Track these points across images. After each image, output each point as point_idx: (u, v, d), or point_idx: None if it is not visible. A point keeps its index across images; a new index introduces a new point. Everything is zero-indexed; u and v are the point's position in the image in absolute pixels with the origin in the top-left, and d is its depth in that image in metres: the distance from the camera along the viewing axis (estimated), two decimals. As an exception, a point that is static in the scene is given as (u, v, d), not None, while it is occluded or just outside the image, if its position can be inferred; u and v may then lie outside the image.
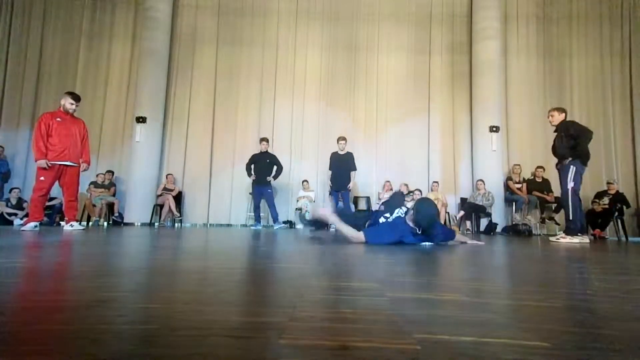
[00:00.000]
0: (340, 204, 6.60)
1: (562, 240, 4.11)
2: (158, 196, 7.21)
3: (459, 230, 6.86)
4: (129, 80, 7.95)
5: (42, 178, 4.06)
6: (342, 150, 6.56)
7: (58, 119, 4.17)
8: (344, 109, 7.92)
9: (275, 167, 6.70)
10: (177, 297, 0.80)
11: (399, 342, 0.52)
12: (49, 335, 0.52)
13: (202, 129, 7.86)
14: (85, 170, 4.47)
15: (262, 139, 6.78)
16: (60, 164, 4.16)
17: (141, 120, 7.23)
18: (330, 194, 6.66)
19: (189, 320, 0.61)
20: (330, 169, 6.56)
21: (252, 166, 6.62)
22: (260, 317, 0.65)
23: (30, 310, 0.66)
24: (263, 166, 6.59)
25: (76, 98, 4.34)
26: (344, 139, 6.61)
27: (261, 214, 6.82)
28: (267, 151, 6.73)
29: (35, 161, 4.08)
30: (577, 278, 1.28)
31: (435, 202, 6.81)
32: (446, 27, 8.10)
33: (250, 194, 7.47)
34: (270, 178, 6.61)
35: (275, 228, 6.37)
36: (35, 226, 4.03)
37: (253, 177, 6.54)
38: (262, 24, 8.13)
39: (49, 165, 4.07)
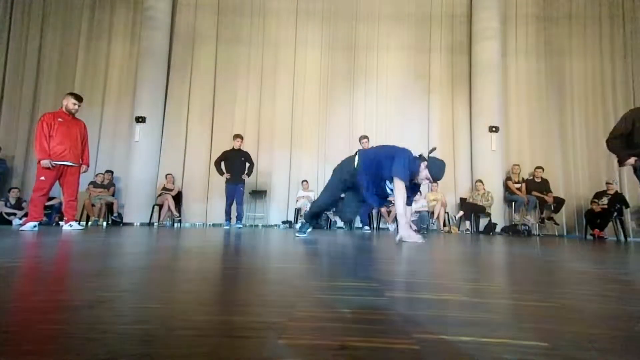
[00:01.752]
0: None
1: None
2: (157, 196, 7.20)
3: (458, 230, 6.87)
4: (128, 80, 7.94)
5: (42, 178, 4.07)
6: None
7: (60, 120, 4.19)
8: (343, 108, 7.92)
9: (247, 165, 6.56)
10: (176, 297, 0.80)
11: (398, 342, 0.52)
12: (49, 335, 0.52)
13: (201, 128, 7.85)
14: (85, 172, 4.49)
15: (237, 136, 6.59)
16: (60, 164, 4.17)
17: (140, 120, 7.23)
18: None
19: (188, 320, 0.61)
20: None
21: (223, 164, 6.47)
22: (260, 316, 0.65)
23: (30, 310, 0.66)
24: (238, 164, 6.46)
25: (78, 98, 4.36)
26: (366, 137, 6.14)
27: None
28: (240, 148, 6.57)
29: (39, 161, 4.08)
30: (576, 278, 1.28)
31: (435, 202, 6.88)
32: (446, 27, 8.11)
33: (249, 194, 7.47)
34: (244, 176, 6.47)
35: (238, 227, 6.28)
36: (35, 226, 4.03)
37: (227, 175, 6.39)
38: (261, 23, 8.13)
39: (53, 165, 4.07)
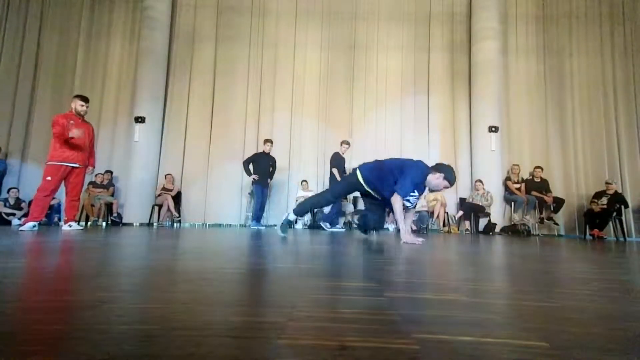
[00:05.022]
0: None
1: None
2: (157, 196, 7.19)
3: (458, 230, 6.87)
4: (128, 80, 7.93)
5: (48, 178, 4.07)
6: (343, 153, 6.52)
7: (71, 122, 4.24)
8: (343, 108, 7.92)
9: (271, 169, 6.79)
10: (176, 298, 0.80)
11: (398, 342, 0.52)
12: (49, 335, 0.52)
13: (200, 128, 7.84)
14: (90, 173, 4.55)
15: (267, 140, 6.78)
16: (67, 165, 4.18)
17: (140, 120, 7.22)
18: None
19: (188, 320, 0.61)
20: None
21: (252, 165, 6.59)
22: (259, 317, 0.65)
23: (30, 311, 0.66)
24: (266, 167, 6.65)
25: (85, 100, 4.40)
26: (347, 142, 6.60)
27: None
28: (269, 153, 6.74)
29: (47, 162, 4.12)
30: (576, 278, 1.28)
31: (435, 202, 6.88)
32: (445, 26, 8.11)
33: (249, 193, 7.48)
34: (270, 181, 6.72)
35: (255, 228, 6.38)
36: (34, 226, 4.02)
37: (256, 177, 6.51)
38: (261, 23, 8.13)
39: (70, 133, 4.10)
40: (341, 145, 6.55)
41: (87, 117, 4.55)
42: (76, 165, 4.24)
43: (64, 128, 4.09)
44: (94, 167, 4.55)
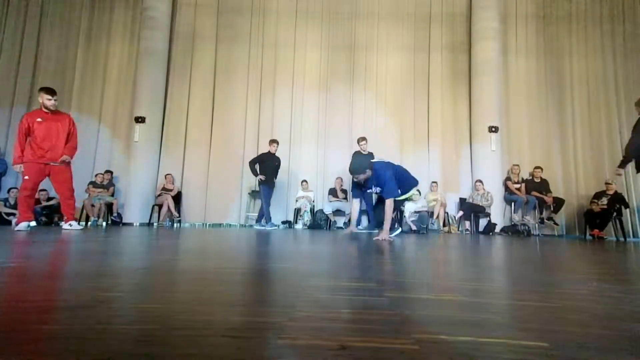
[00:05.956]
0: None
1: None
2: (157, 196, 7.19)
3: (458, 230, 6.87)
4: (128, 80, 7.92)
5: (26, 177, 4.03)
6: (364, 151, 6.45)
7: (39, 119, 4.09)
8: (343, 108, 7.91)
9: (276, 170, 6.77)
10: (176, 297, 0.80)
11: (397, 342, 0.52)
12: (49, 335, 0.52)
13: (200, 128, 7.83)
14: (66, 160, 4.25)
15: (273, 141, 6.73)
16: (41, 163, 4.11)
17: (140, 120, 7.22)
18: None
19: (188, 320, 0.61)
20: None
21: (258, 166, 6.57)
22: (259, 317, 0.65)
23: (30, 311, 0.66)
24: (271, 168, 6.63)
25: (51, 92, 4.19)
26: (364, 139, 6.48)
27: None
28: (274, 153, 6.70)
29: (12, 164, 4.14)
30: (576, 278, 1.28)
31: (434, 202, 6.88)
32: (445, 26, 8.10)
33: (249, 194, 7.48)
34: (275, 180, 6.71)
35: (268, 228, 6.32)
36: (28, 226, 3.97)
37: (262, 177, 6.46)
38: (261, 23, 8.12)
39: (21, 170, 4.07)
40: (359, 143, 6.40)
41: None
42: (51, 163, 4.14)
43: (21, 128, 4.06)
44: (69, 155, 4.23)
